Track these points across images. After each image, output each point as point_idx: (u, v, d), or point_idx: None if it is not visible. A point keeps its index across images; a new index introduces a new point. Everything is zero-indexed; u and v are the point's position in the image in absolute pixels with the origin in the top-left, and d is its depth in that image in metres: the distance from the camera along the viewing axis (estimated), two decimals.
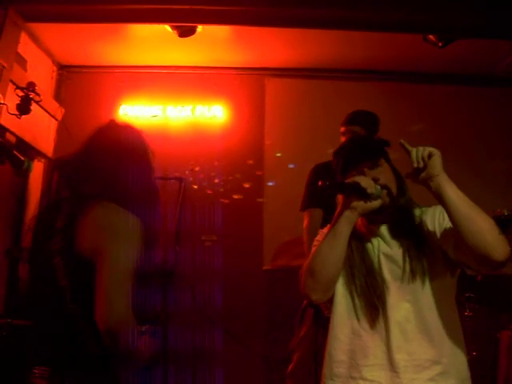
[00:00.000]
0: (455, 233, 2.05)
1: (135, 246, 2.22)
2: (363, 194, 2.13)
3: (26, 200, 5.34)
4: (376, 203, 2.16)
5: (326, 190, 2.13)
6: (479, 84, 5.66)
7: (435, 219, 2.21)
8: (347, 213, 2.16)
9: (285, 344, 4.01)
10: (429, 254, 2.18)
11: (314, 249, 2.25)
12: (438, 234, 2.19)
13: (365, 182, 2.14)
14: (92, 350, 2.23)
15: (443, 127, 5.56)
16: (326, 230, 2.31)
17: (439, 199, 2.06)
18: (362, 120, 3.91)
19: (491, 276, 3.91)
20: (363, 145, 2.32)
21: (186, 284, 5.05)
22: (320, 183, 2.07)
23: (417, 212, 2.28)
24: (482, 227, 1.99)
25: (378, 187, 2.16)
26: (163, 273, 4.77)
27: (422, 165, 2.04)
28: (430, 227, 2.22)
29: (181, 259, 5.06)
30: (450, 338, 2.16)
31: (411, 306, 2.15)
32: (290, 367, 3.81)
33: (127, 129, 2.63)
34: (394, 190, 2.22)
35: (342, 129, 3.92)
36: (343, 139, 3.80)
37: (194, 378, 4.85)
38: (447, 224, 2.14)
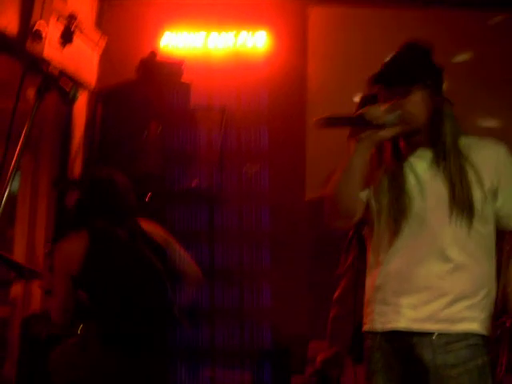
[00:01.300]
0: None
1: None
2: (369, 125, 2.12)
3: (70, 131, 5.42)
4: (387, 132, 2.14)
5: (333, 124, 2.16)
6: None
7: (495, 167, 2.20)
8: (357, 145, 2.17)
9: (329, 272, 4.04)
10: (473, 187, 2.15)
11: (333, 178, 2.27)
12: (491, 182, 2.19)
13: (372, 111, 2.13)
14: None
15: (489, 60, 5.38)
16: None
17: None
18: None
19: None
20: (396, 70, 2.25)
21: (231, 208, 5.11)
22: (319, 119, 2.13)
23: (462, 141, 2.23)
24: None
25: (391, 116, 2.13)
26: (208, 196, 4.85)
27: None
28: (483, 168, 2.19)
29: (225, 186, 5.12)
30: (486, 273, 2.17)
31: (450, 234, 2.14)
32: (337, 293, 3.85)
33: (166, 64, 3.31)
34: (419, 119, 2.17)
35: None
36: None
37: (242, 295, 4.96)
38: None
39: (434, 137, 2.21)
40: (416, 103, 2.18)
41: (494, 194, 2.18)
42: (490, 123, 5.43)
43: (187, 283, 3.43)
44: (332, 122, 2.20)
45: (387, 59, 2.26)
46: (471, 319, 2.11)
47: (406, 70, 2.22)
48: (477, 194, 2.14)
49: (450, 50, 5.30)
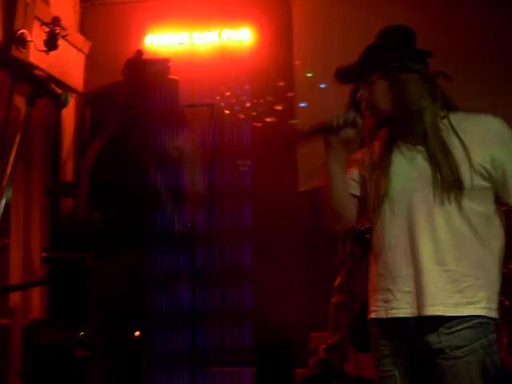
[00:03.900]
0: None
1: None
2: (328, 130, 2.25)
3: (60, 136, 5.41)
4: (349, 131, 2.25)
5: (302, 139, 2.39)
6: None
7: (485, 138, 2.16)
8: (327, 150, 2.30)
9: (326, 262, 4.05)
10: (460, 163, 2.12)
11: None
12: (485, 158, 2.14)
13: (330, 117, 2.25)
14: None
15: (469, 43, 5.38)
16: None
17: None
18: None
19: None
20: (356, 63, 2.33)
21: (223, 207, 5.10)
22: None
23: (451, 118, 2.21)
24: None
25: (349, 115, 2.24)
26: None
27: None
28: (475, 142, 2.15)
29: (217, 184, 5.10)
30: (483, 251, 2.15)
31: (441, 214, 2.13)
32: (338, 281, 3.88)
33: (153, 61, 3.41)
34: (384, 105, 2.23)
35: None
36: None
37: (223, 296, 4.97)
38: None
39: (410, 120, 2.21)
40: (377, 93, 2.24)
41: (491, 166, 2.13)
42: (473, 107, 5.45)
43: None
44: (300, 138, 2.33)
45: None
46: (472, 302, 2.10)
47: (360, 63, 2.30)
48: (464, 170, 2.11)
49: (431, 36, 5.30)
